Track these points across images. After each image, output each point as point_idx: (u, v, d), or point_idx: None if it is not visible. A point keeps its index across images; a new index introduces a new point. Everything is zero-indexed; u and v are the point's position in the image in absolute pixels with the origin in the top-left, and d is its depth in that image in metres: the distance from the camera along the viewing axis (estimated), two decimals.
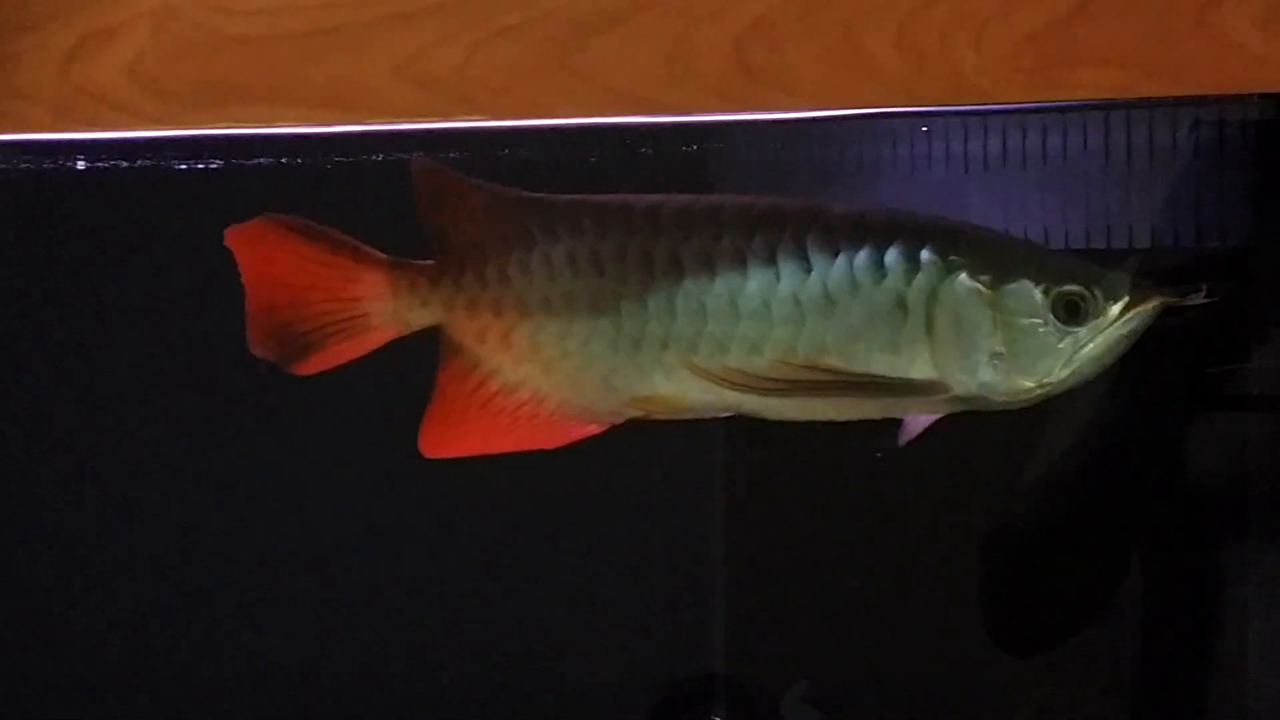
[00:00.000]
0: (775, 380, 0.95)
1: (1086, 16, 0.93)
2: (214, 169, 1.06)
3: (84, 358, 1.31)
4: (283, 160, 1.05)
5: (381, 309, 0.97)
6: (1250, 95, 0.97)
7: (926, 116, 1.09)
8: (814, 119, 0.98)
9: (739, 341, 0.95)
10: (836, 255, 0.94)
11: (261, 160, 1.05)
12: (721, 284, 0.95)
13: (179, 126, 0.99)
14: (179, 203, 1.22)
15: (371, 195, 1.15)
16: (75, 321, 1.31)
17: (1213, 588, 1.16)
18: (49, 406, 1.32)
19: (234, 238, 0.95)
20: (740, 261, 0.95)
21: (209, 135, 1.00)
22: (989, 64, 0.94)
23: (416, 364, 1.24)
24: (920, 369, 0.94)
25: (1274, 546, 1.14)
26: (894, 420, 1.16)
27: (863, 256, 0.94)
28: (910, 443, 0.97)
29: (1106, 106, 1.09)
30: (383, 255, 0.96)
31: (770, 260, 0.95)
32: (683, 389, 0.96)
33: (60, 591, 1.31)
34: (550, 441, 0.97)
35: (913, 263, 0.94)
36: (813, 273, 0.94)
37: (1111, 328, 0.93)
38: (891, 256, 0.94)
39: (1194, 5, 0.92)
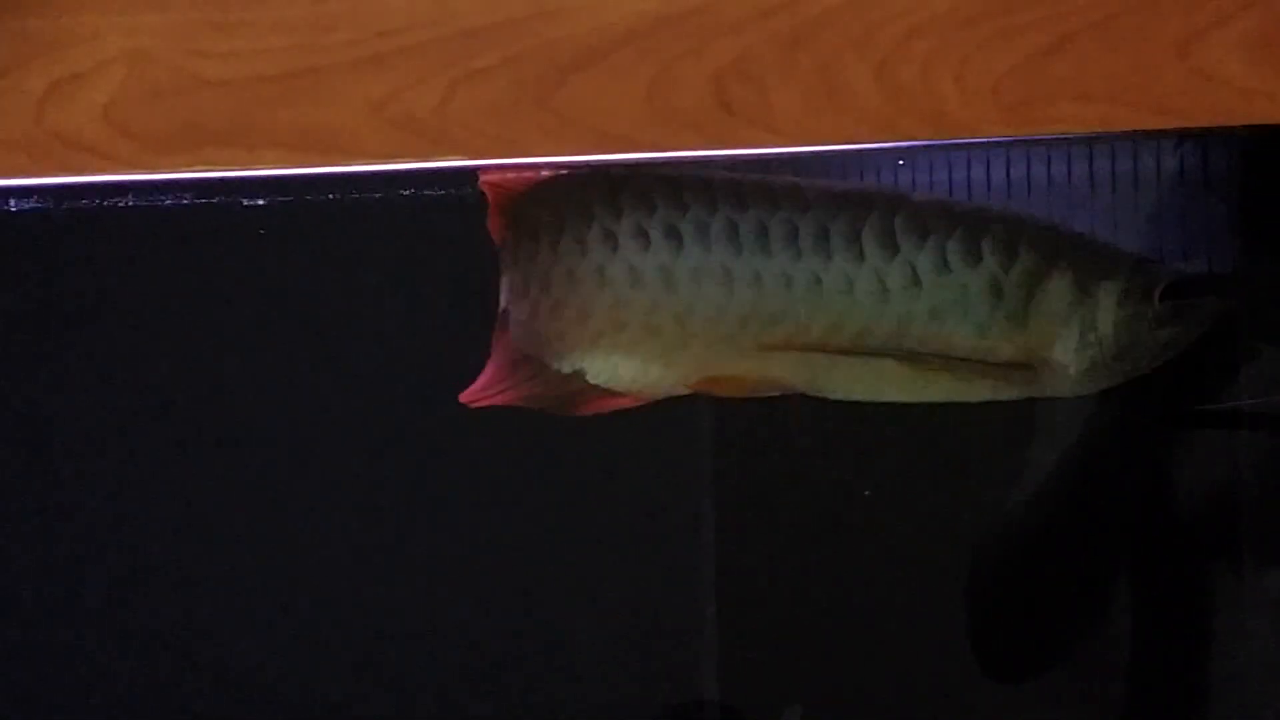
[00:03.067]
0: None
1: (1067, 51, 0.93)
2: (190, 210, 1.06)
3: (57, 399, 1.31)
4: (260, 202, 1.05)
5: None
6: (1233, 128, 0.97)
7: (908, 152, 1.08)
8: (794, 154, 0.98)
9: (822, 317, 0.97)
10: (926, 238, 0.95)
11: (239, 201, 1.05)
12: (807, 261, 0.96)
13: (154, 170, 0.98)
14: (156, 245, 1.22)
15: (348, 235, 1.15)
16: (52, 363, 1.30)
17: (1206, 609, 1.16)
18: (22, 448, 1.32)
19: None
20: (824, 239, 0.96)
21: (185, 178, 1.00)
22: (970, 99, 0.93)
23: (390, 370, 1.24)
24: (1007, 352, 0.95)
25: (1269, 567, 1.13)
26: (873, 456, 1.16)
27: (956, 241, 0.95)
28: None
29: (1088, 140, 1.09)
30: None
31: (854, 239, 0.96)
32: (753, 366, 0.98)
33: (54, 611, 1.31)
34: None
35: (1010, 252, 0.95)
36: (899, 254, 0.95)
37: (1189, 324, 0.95)
38: (989, 243, 0.95)
39: (1176, 39, 0.92)
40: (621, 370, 1.00)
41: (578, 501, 1.24)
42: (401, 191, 1.04)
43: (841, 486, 1.21)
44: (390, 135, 0.97)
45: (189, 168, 0.98)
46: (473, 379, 1.05)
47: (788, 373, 0.98)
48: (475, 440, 1.24)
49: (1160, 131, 1.02)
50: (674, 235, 0.98)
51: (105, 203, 1.05)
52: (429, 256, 1.06)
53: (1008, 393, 0.98)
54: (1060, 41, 0.93)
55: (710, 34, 0.95)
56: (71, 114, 0.98)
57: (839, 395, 0.99)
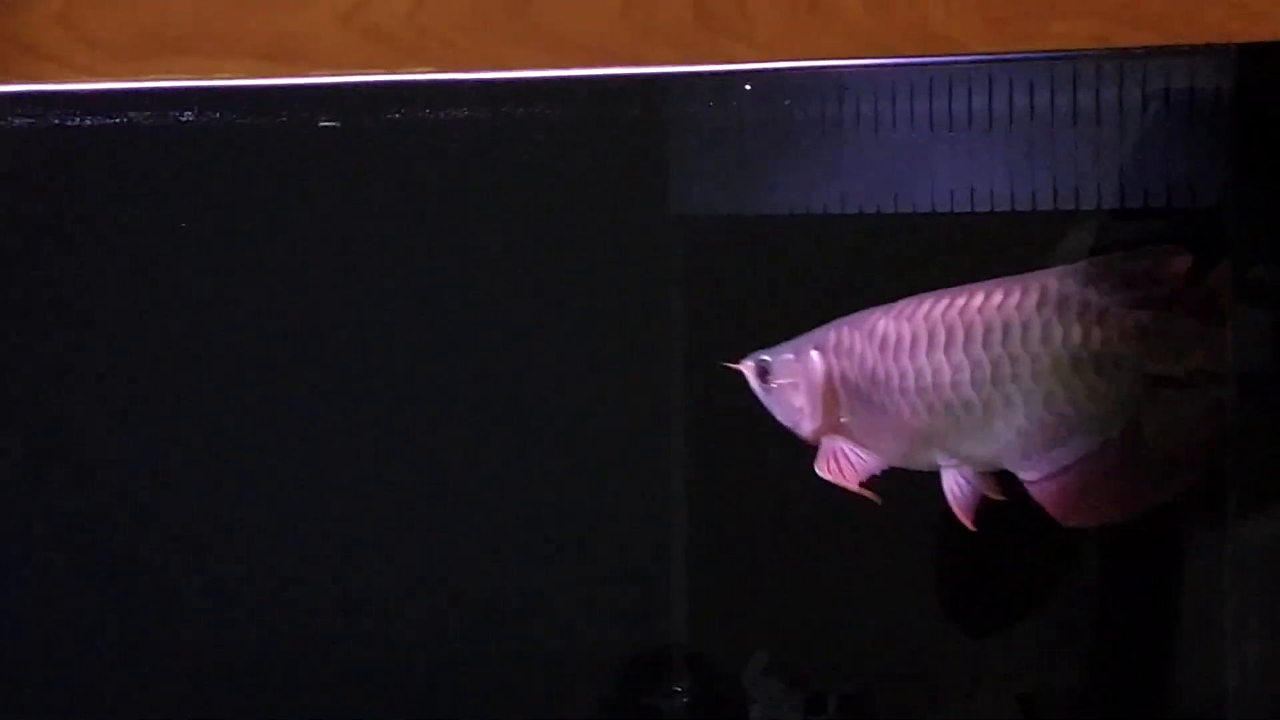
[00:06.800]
0: None
1: None
2: (149, 123, 1.04)
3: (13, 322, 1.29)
4: (219, 115, 1.03)
5: None
6: (1228, 45, 0.95)
7: (892, 69, 1.07)
8: (773, 70, 0.96)
9: None
10: None
11: (199, 115, 1.03)
12: None
13: (111, 78, 0.96)
14: (114, 158, 1.20)
15: (317, 152, 1.13)
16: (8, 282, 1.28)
17: (1180, 558, 1.15)
18: None
19: None
20: None
21: (143, 88, 0.98)
22: (957, 13, 0.91)
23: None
24: None
25: (1248, 528, 1.12)
26: None
27: None
28: None
29: (1078, 58, 1.07)
30: None
31: None
32: None
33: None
34: None
35: None
36: None
37: None
38: None
39: None
40: None
41: (547, 450, 1.23)
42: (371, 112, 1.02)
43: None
44: (359, 46, 0.94)
45: (148, 77, 0.96)
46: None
47: None
48: (447, 394, 1.22)
49: (1151, 49, 1.00)
50: None
51: (60, 115, 1.03)
52: (393, 177, 1.05)
53: None
54: None
55: None
56: (27, 20, 0.95)
57: None
